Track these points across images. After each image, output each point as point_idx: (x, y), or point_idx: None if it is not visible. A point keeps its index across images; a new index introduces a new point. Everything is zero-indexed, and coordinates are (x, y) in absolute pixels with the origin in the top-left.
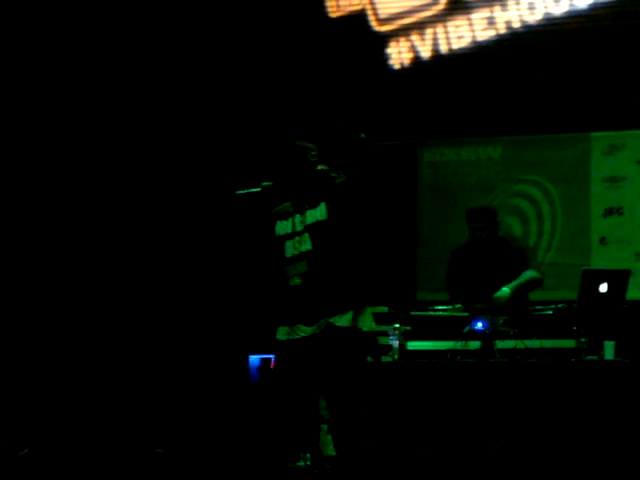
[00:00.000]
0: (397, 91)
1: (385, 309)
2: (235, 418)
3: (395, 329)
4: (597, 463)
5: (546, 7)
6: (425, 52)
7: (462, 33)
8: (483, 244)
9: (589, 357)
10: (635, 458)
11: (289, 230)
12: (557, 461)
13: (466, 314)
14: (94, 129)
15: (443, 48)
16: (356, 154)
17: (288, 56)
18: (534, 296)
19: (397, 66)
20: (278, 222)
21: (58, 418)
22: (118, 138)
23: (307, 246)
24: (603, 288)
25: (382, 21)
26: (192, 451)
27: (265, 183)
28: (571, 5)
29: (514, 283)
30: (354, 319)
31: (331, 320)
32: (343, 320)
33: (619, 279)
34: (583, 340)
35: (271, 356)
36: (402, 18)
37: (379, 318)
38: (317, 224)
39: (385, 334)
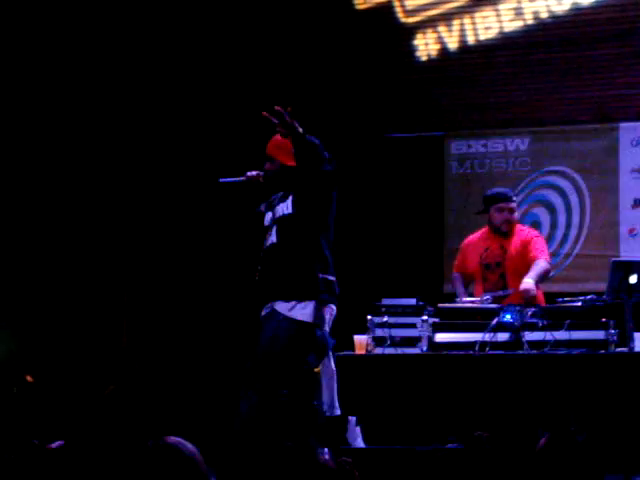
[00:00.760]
0: (424, 83)
1: (413, 301)
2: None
3: (423, 321)
4: (626, 455)
5: None
6: (452, 43)
7: (489, 24)
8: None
9: (618, 349)
10: None
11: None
12: (585, 453)
13: (494, 305)
14: (82, 120)
15: (470, 39)
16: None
17: (316, 48)
18: (563, 287)
19: (424, 58)
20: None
21: (58, 418)
22: (104, 128)
23: (273, 239)
24: (632, 279)
25: (409, 13)
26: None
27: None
28: None
29: (533, 273)
30: (292, 307)
31: (275, 305)
32: (281, 306)
33: None
34: (612, 332)
35: None
36: (429, 9)
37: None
38: (283, 218)
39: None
